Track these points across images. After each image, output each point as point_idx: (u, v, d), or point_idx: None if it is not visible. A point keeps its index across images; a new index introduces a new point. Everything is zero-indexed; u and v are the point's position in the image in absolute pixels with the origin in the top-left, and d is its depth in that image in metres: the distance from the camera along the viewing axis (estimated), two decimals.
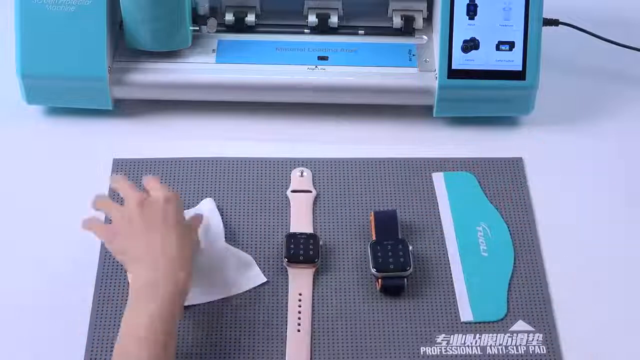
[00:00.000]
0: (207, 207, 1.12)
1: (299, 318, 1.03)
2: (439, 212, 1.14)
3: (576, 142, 1.23)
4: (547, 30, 1.24)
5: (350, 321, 1.03)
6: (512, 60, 1.20)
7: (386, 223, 1.10)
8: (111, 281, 1.06)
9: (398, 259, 1.05)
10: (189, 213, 1.12)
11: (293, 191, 1.15)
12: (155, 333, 0.89)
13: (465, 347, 1.02)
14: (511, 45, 1.20)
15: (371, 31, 1.28)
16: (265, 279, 1.06)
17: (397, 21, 1.27)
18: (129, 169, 1.17)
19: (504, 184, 1.17)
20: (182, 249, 0.96)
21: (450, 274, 1.08)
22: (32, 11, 1.18)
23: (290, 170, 1.18)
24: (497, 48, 1.20)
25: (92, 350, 1.00)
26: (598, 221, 1.14)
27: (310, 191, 1.16)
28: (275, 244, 1.10)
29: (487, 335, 1.02)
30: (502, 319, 1.04)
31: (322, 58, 1.24)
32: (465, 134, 1.24)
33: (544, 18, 1.21)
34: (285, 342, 1.01)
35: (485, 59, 1.20)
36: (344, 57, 1.24)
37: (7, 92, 1.24)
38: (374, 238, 1.09)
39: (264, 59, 1.23)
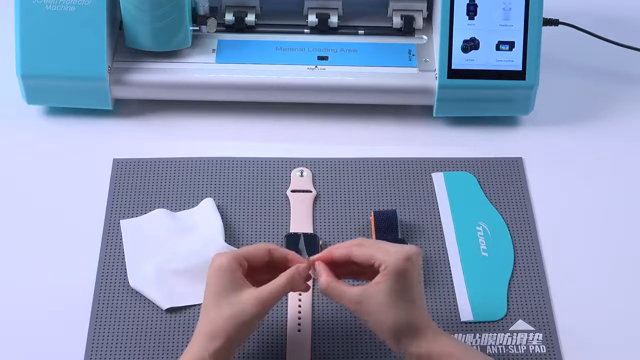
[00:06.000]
0: (207, 207, 1.12)
1: (299, 318, 1.03)
2: (439, 212, 1.14)
3: (576, 142, 1.23)
4: (547, 30, 1.24)
5: (350, 321, 1.03)
6: (512, 60, 1.20)
7: (386, 223, 1.10)
8: (111, 281, 1.06)
9: None
10: (190, 213, 1.13)
11: (293, 191, 1.15)
12: None
13: None
14: (511, 45, 1.20)
15: (371, 31, 1.28)
16: None
17: (397, 21, 1.27)
18: (129, 169, 1.17)
19: (504, 184, 1.17)
20: (200, 324, 0.93)
21: (450, 274, 1.08)
22: (32, 11, 1.18)
23: (290, 170, 1.18)
24: (497, 48, 1.20)
25: (92, 351, 1.01)
26: (598, 221, 1.14)
27: (310, 191, 1.16)
28: (275, 244, 1.10)
29: (487, 335, 1.02)
30: (502, 319, 1.04)
31: (322, 58, 1.24)
32: (465, 134, 1.24)
33: (544, 18, 1.21)
34: (285, 342, 1.01)
35: (485, 59, 1.20)
36: (344, 57, 1.24)
37: (7, 92, 1.24)
38: (374, 238, 1.09)
39: (264, 59, 1.23)
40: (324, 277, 0.94)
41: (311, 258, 0.96)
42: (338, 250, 0.95)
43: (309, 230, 1.11)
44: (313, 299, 1.05)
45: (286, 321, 1.03)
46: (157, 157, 1.19)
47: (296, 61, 1.23)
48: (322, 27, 1.27)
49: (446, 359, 0.90)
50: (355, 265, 0.95)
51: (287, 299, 1.04)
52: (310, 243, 1.08)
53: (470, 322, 1.04)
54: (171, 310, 1.04)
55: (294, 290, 0.97)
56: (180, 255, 1.07)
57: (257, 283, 0.94)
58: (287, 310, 1.04)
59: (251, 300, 0.91)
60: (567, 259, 1.10)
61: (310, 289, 1.05)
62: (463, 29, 1.20)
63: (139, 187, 1.16)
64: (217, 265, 0.93)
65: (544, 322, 1.04)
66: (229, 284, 0.92)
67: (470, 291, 1.06)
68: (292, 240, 1.08)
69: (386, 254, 0.92)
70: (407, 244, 1.06)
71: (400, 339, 0.91)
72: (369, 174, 1.18)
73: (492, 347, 1.02)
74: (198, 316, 0.93)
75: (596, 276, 1.09)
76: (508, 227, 1.12)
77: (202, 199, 1.14)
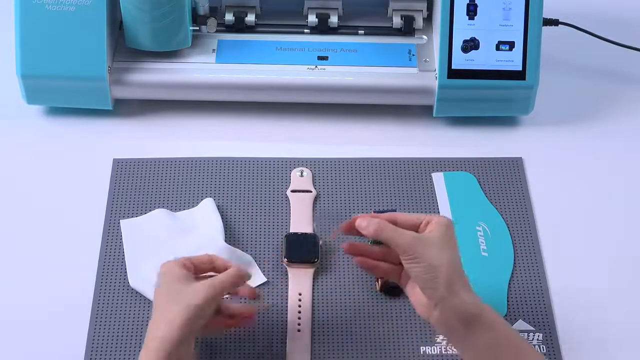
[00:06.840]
0: (207, 207, 1.12)
1: (299, 318, 1.03)
2: (438, 212, 1.14)
3: (576, 142, 1.23)
4: (547, 30, 1.24)
5: (350, 321, 1.03)
6: (512, 60, 1.20)
7: None
8: (111, 281, 1.06)
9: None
10: (190, 213, 1.13)
11: (293, 191, 1.15)
12: None
13: None
14: (511, 45, 1.20)
15: (371, 31, 1.28)
16: (265, 279, 1.06)
17: (397, 21, 1.27)
18: (129, 169, 1.17)
19: (504, 184, 1.17)
20: (150, 327, 0.92)
21: None
22: (32, 11, 1.18)
23: (290, 170, 1.18)
24: (497, 48, 1.20)
25: (92, 351, 1.01)
26: (598, 221, 1.14)
27: (310, 191, 1.16)
28: (275, 244, 1.10)
29: None
30: None
31: (322, 58, 1.24)
32: (465, 134, 1.24)
33: (544, 18, 1.21)
34: (285, 342, 1.01)
35: (485, 59, 1.20)
36: (344, 57, 1.24)
37: (7, 92, 1.24)
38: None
39: (264, 59, 1.23)
40: (377, 220, 0.94)
41: (354, 217, 0.96)
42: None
43: (309, 230, 1.11)
44: (313, 299, 1.05)
45: (286, 321, 1.03)
46: (157, 157, 1.19)
47: (296, 61, 1.23)
48: (322, 27, 1.27)
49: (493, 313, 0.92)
50: None
51: (287, 299, 1.05)
52: (310, 243, 1.08)
53: None
54: None
55: (241, 294, 0.97)
56: (180, 255, 1.07)
57: None
58: (287, 310, 1.04)
59: (202, 286, 0.92)
60: (567, 259, 1.10)
61: (310, 289, 1.05)
62: (463, 29, 1.20)
63: (139, 187, 1.16)
64: (164, 271, 0.94)
65: (544, 322, 1.04)
66: (178, 281, 0.92)
67: None
68: (292, 240, 1.08)
69: (429, 215, 0.96)
70: None
71: (454, 284, 0.91)
72: (369, 174, 1.18)
73: None
74: None
75: (596, 276, 1.09)
76: (508, 227, 1.12)
77: (202, 199, 1.14)
